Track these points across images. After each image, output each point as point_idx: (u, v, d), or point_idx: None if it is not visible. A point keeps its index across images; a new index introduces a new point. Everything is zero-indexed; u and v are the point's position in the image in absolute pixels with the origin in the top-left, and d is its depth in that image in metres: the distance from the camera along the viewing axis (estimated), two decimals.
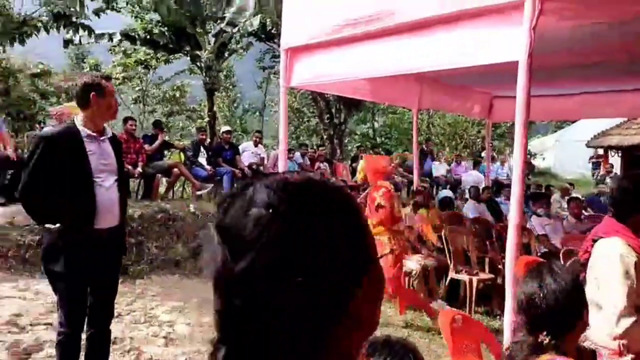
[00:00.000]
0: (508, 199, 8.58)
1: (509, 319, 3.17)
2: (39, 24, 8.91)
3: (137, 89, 19.81)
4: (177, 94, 20.47)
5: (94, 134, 2.72)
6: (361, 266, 0.54)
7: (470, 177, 9.94)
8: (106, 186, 2.73)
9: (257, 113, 25.63)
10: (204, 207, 7.24)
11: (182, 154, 9.03)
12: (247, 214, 0.51)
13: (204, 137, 8.90)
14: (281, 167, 6.10)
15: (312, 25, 5.02)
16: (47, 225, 2.66)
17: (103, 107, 2.74)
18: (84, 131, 2.69)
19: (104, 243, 2.73)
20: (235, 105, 25.67)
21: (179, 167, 7.76)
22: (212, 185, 8.32)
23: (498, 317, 4.84)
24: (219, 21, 10.16)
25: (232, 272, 0.50)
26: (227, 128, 9.49)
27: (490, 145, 9.38)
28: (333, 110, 13.17)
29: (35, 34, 8.94)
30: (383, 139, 22.03)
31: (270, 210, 0.51)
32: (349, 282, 0.53)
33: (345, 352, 0.54)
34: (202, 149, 8.60)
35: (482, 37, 3.59)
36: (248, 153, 9.21)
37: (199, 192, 7.93)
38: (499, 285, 5.32)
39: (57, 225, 2.61)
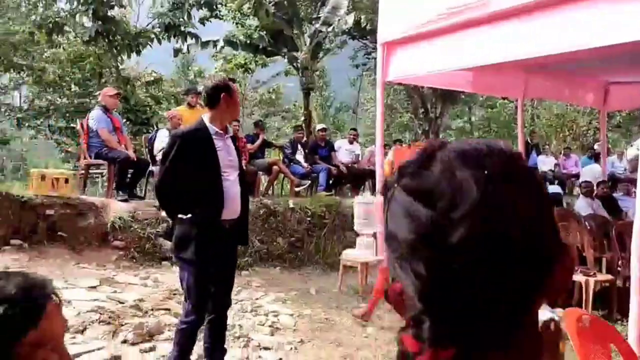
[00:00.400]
0: (628, 194, 7.85)
1: (635, 323, 2.89)
2: (152, 35, 9.74)
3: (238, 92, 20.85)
4: (273, 96, 21.29)
5: (221, 132, 2.90)
6: (559, 232, 0.53)
7: (590, 171, 9.11)
8: (231, 180, 2.89)
9: (350, 111, 25.78)
10: (302, 202, 7.44)
11: (280, 152, 9.35)
12: (455, 177, 0.49)
13: (300, 135, 9.15)
14: (378, 163, 6.07)
15: (410, 17, 4.94)
16: (179, 216, 2.84)
17: (231, 106, 2.94)
18: (212, 129, 2.87)
19: (227, 234, 2.89)
20: (328, 104, 26.05)
21: (278, 165, 8.05)
22: (310, 181, 8.53)
23: (619, 321, 4.43)
24: (314, 22, 10.40)
25: (447, 237, 0.47)
26: (322, 126, 9.67)
27: (605, 137, 8.57)
28: (428, 105, 12.85)
29: (149, 44, 9.79)
30: (481, 132, 21.09)
31: (486, 172, 0.49)
32: (555, 249, 0.51)
33: (535, 317, 0.54)
34: (299, 147, 8.84)
35: (600, 17, 3.31)
36: (343, 150, 9.30)
37: (297, 189, 8.17)
38: (618, 288, 4.89)
39: (189, 215, 2.79)
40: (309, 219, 7.22)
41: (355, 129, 10.14)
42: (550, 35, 3.67)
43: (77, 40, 11.04)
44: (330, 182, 8.63)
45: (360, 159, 9.43)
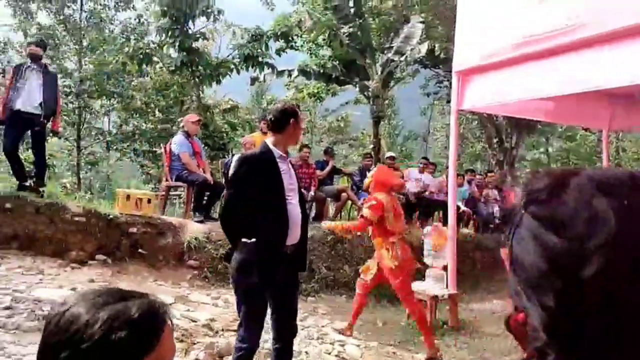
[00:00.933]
0: None
1: None
2: (232, 66, 10.29)
3: (306, 120, 21.50)
4: (342, 124, 21.62)
5: (284, 155, 2.91)
6: None
7: None
8: (293, 203, 2.88)
9: (418, 139, 25.54)
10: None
11: (348, 179, 9.39)
12: (590, 205, 0.47)
13: (369, 163, 9.15)
14: (450, 193, 5.93)
15: (488, 45, 4.86)
16: (243, 240, 2.76)
17: (297, 131, 2.95)
18: (276, 152, 2.87)
19: (288, 259, 2.86)
20: (396, 132, 25.98)
21: (347, 192, 8.07)
22: None
23: None
24: (386, 51, 10.52)
25: (579, 269, 0.45)
26: (391, 154, 9.62)
27: None
28: (503, 135, 12.45)
29: (229, 75, 10.34)
30: (558, 164, 20.06)
31: (626, 202, 0.47)
32: None
33: None
34: (367, 174, 8.82)
35: None
36: (412, 179, 9.18)
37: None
38: None
39: (253, 240, 2.72)
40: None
41: (426, 158, 9.98)
42: None
43: (163, 70, 11.85)
44: None
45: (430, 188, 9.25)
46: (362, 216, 4.69)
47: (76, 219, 5.54)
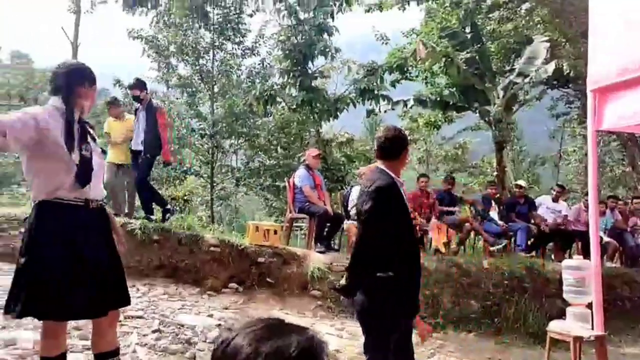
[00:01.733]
0: None
1: None
2: (348, 100, 10.60)
3: (421, 149, 21.19)
4: (459, 152, 20.91)
5: (402, 183, 2.84)
6: None
7: None
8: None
9: (545, 165, 23.67)
10: (498, 263, 6.92)
11: (470, 208, 8.98)
12: None
13: (494, 191, 8.69)
14: (592, 222, 5.35)
15: (627, 59, 4.40)
16: (378, 274, 2.64)
17: (406, 158, 2.91)
18: (397, 180, 2.78)
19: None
20: (520, 157, 24.41)
21: (470, 222, 7.73)
22: (506, 241, 7.94)
23: None
24: (507, 74, 10.07)
25: None
26: (520, 182, 9.05)
27: None
28: None
29: (346, 109, 10.66)
30: None
31: None
32: None
33: None
34: (492, 203, 8.39)
35: None
36: (544, 208, 8.51)
37: (492, 248, 7.67)
38: None
39: (390, 273, 2.62)
40: (506, 282, 6.68)
41: (561, 185, 9.15)
42: None
43: (285, 109, 12.57)
44: (530, 242, 7.92)
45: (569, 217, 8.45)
46: None
47: (212, 249, 5.99)
